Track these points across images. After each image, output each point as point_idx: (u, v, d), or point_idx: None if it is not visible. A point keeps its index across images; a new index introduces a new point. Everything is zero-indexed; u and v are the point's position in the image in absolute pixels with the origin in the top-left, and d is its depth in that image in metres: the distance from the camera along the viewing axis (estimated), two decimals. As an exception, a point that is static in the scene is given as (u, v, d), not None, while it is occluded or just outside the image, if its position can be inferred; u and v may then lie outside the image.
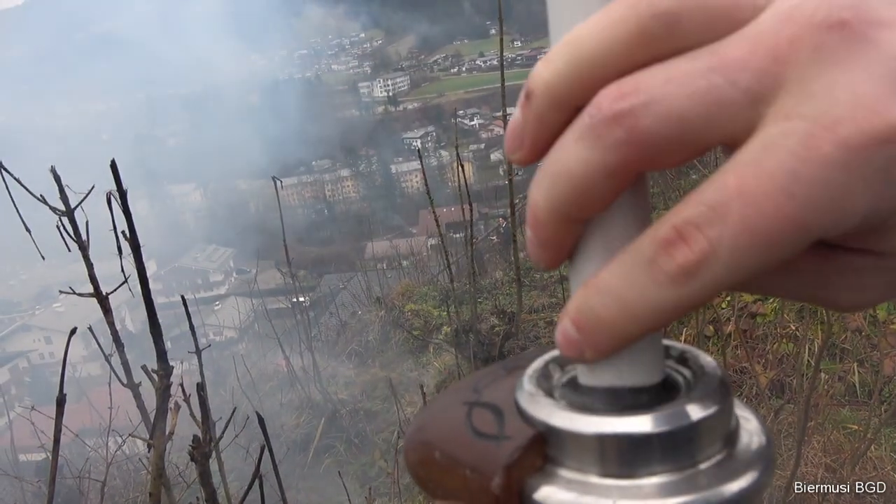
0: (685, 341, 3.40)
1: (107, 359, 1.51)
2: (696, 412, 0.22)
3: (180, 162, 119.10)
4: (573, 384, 0.26)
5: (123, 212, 1.11)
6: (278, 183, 3.31)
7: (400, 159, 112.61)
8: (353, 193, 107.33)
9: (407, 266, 11.19)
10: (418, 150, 5.13)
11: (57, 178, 1.47)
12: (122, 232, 1.16)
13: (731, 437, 0.23)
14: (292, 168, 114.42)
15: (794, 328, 3.04)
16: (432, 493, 0.25)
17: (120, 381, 1.56)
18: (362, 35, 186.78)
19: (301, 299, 5.47)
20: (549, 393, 0.25)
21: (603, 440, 0.22)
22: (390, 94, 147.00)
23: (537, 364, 0.26)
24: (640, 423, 0.21)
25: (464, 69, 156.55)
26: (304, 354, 4.04)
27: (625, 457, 0.21)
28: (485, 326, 3.90)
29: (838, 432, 2.36)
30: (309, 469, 3.53)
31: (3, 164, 1.43)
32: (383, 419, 3.86)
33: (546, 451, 0.23)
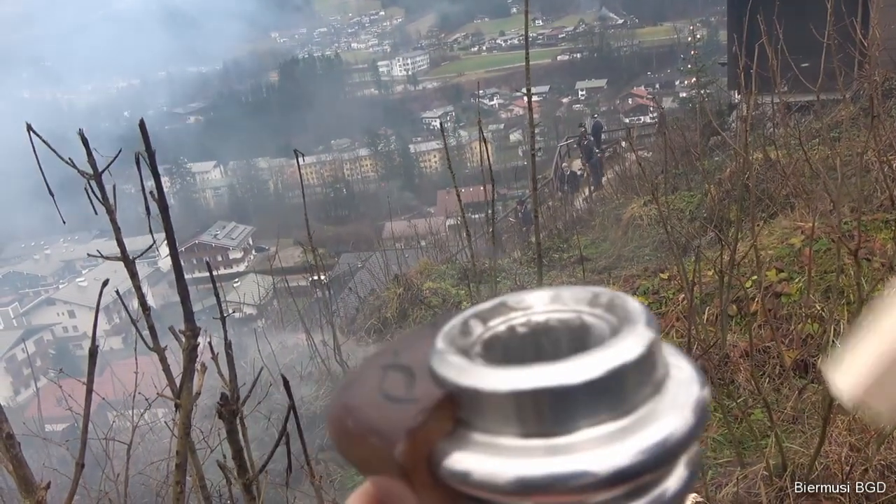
0: (707, 320, 3.38)
1: (134, 323, 1.53)
2: (614, 359, 0.19)
3: (200, 139, 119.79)
4: (494, 339, 0.24)
5: (152, 172, 1.11)
6: (301, 157, 3.30)
7: (419, 139, 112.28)
8: (371, 173, 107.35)
9: (425, 245, 11.19)
10: (441, 129, 5.11)
11: (85, 142, 1.47)
12: (151, 192, 1.16)
13: (659, 385, 0.20)
14: (311, 147, 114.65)
15: (819, 308, 2.99)
16: (355, 466, 0.23)
17: (146, 344, 1.58)
18: (382, 13, 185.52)
19: (321, 277, 5.50)
20: (465, 350, 0.23)
21: (517, 396, 0.19)
22: (410, 73, 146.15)
23: (456, 320, 0.24)
24: (557, 375, 0.19)
25: (484, 48, 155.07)
26: (325, 328, 4.07)
27: (543, 413, 0.19)
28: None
29: (863, 412, 2.32)
30: (329, 440, 3.57)
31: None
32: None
33: (457, 413, 0.21)
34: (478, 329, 0.24)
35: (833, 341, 2.88)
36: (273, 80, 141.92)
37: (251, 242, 74.52)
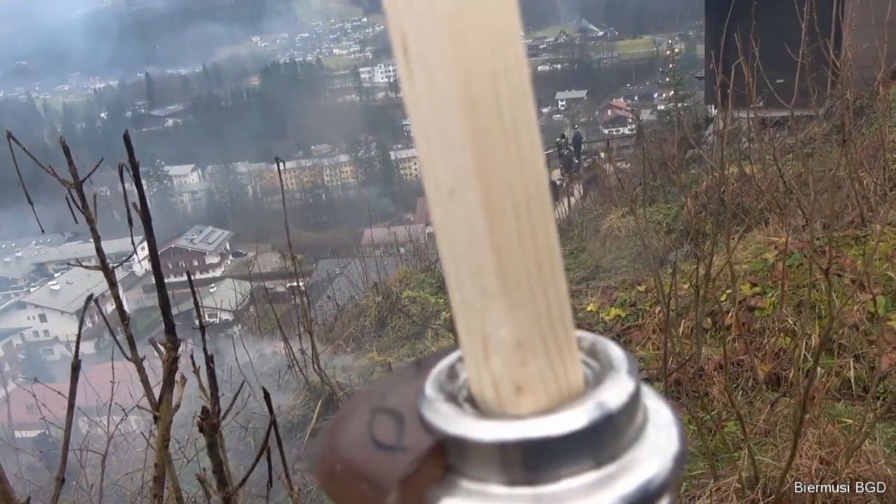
0: (683, 333, 3.43)
1: (112, 333, 1.51)
2: (596, 411, 0.20)
3: (179, 143, 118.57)
4: None
5: (135, 184, 1.11)
6: (281, 164, 3.29)
7: (399, 146, 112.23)
8: (351, 179, 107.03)
9: (404, 253, 11.17)
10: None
11: (66, 150, 1.46)
12: (134, 204, 1.15)
13: (640, 431, 0.21)
14: (291, 152, 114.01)
15: (792, 322, 3.05)
16: None
17: (124, 354, 1.57)
18: (364, 20, 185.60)
19: (300, 283, 5.48)
20: (453, 396, 0.23)
21: (503, 447, 0.20)
22: (391, 79, 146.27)
23: (443, 365, 0.24)
24: (541, 427, 0.20)
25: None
26: (303, 337, 4.06)
27: (528, 462, 0.20)
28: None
29: (833, 426, 2.38)
30: (305, 451, 3.56)
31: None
32: (380, 403, 3.89)
33: (446, 460, 0.21)
34: (463, 373, 0.24)
35: (805, 355, 2.94)
36: (254, 85, 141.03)
37: (228, 247, 73.78)
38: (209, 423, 0.99)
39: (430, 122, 0.19)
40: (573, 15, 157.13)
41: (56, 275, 63.32)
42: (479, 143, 0.19)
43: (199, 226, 72.84)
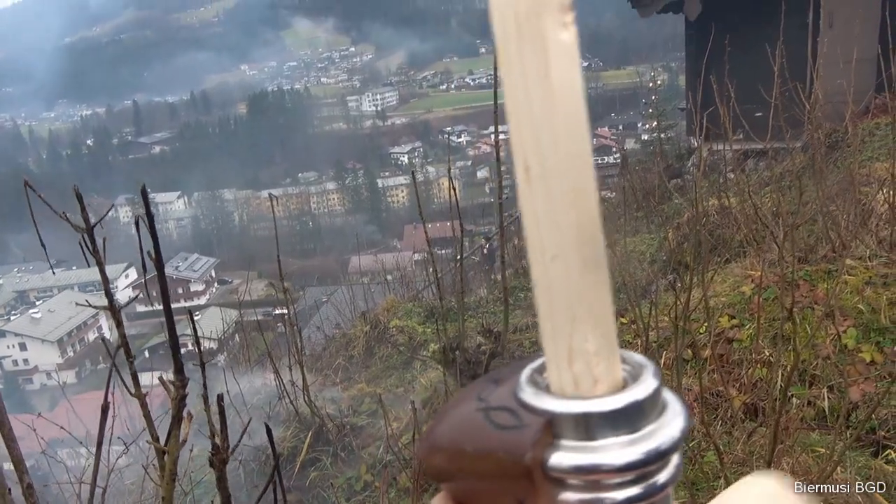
0: (664, 364, 3.53)
1: (116, 369, 1.59)
2: (639, 394, 0.31)
3: (165, 169, 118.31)
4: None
5: (151, 235, 1.20)
6: (275, 199, 3.38)
7: (386, 174, 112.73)
8: (338, 206, 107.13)
9: (392, 281, 11.21)
10: (412, 172, 5.23)
11: (79, 198, 1.55)
12: (148, 252, 1.24)
13: (662, 409, 0.32)
14: (278, 179, 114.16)
15: (767, 354, 3.16)
16: (462, 478, 0.34)
17: (128, 390, 1.64)
18: (352, 49, 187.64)
19: (286, 311, 5.52)
20: (543, 390, 0.34)
21: (588, 417, 0.31)
22: (379, 108, 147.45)
23: (527, 372, 0.35)
24: (609, 403, 0.31)
25: (452, 86, 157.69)
26: (294, 368, 4.10)
27: (603, 424, 0.31)
28: (471, 345, 3.99)
29: (807, 455, 2.48)
30: (295, 481, 3.59)
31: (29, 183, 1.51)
32: (369, 434, 3.93)
33: (554, 430, 0.32)
34: (538, 377, 0.35)
35: (780, 385, 3.05)
36: (241, 112, 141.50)
37: (213, 275, 73.25)
38: (219, 458, 1.07)
39: (542, 212, 0.31)
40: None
41: (38, 302, 62.48)
42: (581, 228, 0.31)
43: (184, 253, 72.35)
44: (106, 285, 1.61)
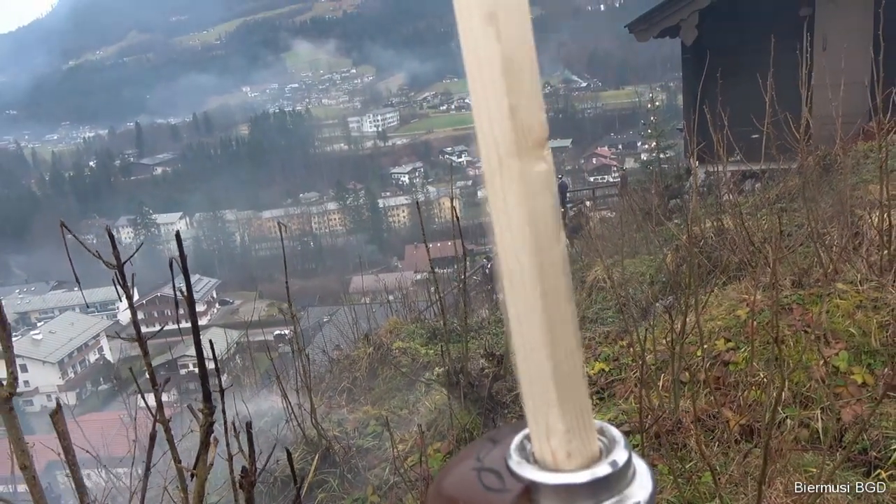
0: (663, 386, 3.62)
1: (140, 392, 1.69)
2: (603, 472, 0.38)
3: (167, 190, 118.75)
4: None
5: (184, 276, 1.31)
6: (283, 226, 3.50)
7: (387, 194, 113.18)
8: (339, 227, 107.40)
9: (393, 301, 11.26)
10: (415, 199, 5.34)
11: (111, 236, 1.67)
12: (180, 289, 1.36)
13: (631, 479, 0.39)
14: (279, 200, 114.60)
15: (763, 376, 3.26)
16: None
17: (153, 416, 1.75)
18: (353, 71, 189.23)
19: (286, 332, 5.59)
20: (527, 458, 0.40)
21: (565, 487, 0.38)
22: (379, 129, 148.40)
23: (517, 440, 0.41)
24: (578, 477, 0.38)
25: (453, 107, 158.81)
26: (301, 391, 4.19)
27: (577, 495, 0.37)
28: (474, 367, 4.09)
29: (800, 475, 2.56)
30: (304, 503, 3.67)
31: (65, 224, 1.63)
32: (375, 456, 4.01)
33: (531, 495, 0.38)
34: (528, 445, 0.41)
35: (774, 406, 3.14)
36: (243, 134, 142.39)
37: (215, 295, 73.27)
38: (248, 480, 1.18)
39: (522, 312, 0.36)
40: (557, 66, 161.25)
41: (39, 324, 62.45)
42: (553, 328, 0.37)
43: (185, 274, 72.28)
44: (134, 317, 1.72)
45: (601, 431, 0.39)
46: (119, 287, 1.67)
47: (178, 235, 1.31)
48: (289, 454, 1.36)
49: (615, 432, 0.39)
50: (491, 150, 0.34)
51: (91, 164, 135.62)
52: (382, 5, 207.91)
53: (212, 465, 1.43)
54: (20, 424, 1.29)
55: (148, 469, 1.26)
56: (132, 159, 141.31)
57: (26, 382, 55.34)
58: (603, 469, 0.37)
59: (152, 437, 1.29)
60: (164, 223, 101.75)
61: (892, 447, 2.79)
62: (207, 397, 1.40)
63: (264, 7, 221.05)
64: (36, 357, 54.35)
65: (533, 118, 0.34)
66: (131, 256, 1.74)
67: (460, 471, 0.41)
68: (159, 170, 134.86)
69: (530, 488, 0.37)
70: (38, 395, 53.33)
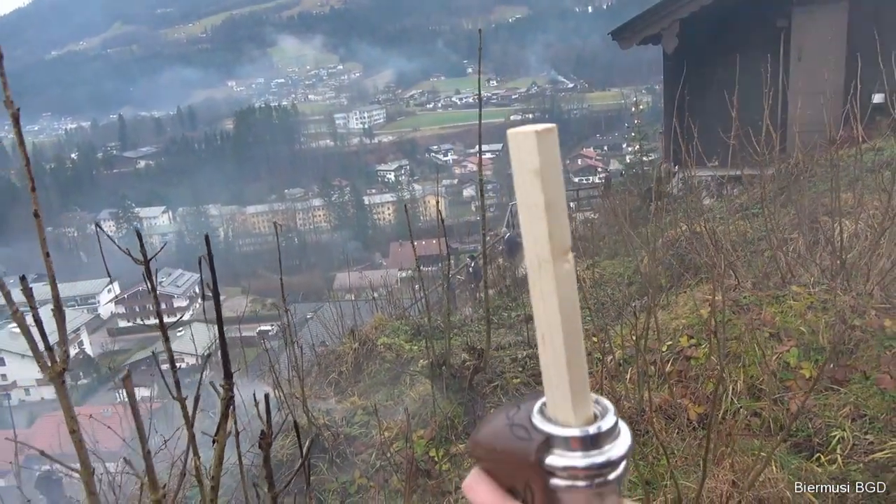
0: (630, 378, 3.91)
1: (166, 382, 1.93)
2: (597, 429, 0.50)
3: (150, 184, 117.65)
4: None
5: (211, 273, 1.55)
6: (278, 228, 3.73)
7: (373, 191, 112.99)
8: (324, 223, 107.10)
9: (378, 298, 11.44)
10: (401, 197, 5.57)
11: (139, 235, 1.91)
12: (207, 283, 1.59)
13: (617, 435, 0.51)
14: (264, 195, 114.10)
15: (719, 370, 3.54)
16: (491, 463, 0.50)
17: (171, 394, 1.99)
18: (340, 67, 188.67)
19: (269, 328, 5.79)
20: (546, 418, 0.53)
21: (568, 438, 0.50)
22: (366, 126, 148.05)
23: (537, 405, 0.53)
24: (580, 432, 0.50)
25: (439, 105, 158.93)
26: (291, 381, 4.43)
27: (583, 442, 0.50)
28: (456, 361, 4.34)
29: (747, 457, 2.85)
30: (294, 486, 3.91)
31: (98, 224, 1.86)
32: (362, 443, 4.26)
33: (549, 443, 0.47)
34: (545, 408, 0.51)
35: (730, 398, 3.44)
36: (228, 128, 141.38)
37: (197, 290, 72.67)
38: (265, 441, 1.43)
39: (550, 363, 0.50)
40: (544, 67, 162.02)
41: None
42: (575, 381, 0.49)
43: (168, 268, 72.05)
44: (157, 308, 1.96)
45: (596, 402, 0.51)
46: (147, 281, 1.90)
47: (206, 238, 1.55)
48: (296, 424, 1.61)
49: (606, 402, 0.51)
50: (533, 255, 0.48)
51: (73, 156, 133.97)
52: (370, 2, 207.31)
53: (230, 433, 1.67)
54: (69, 395, 1.52)
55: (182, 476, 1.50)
56: (115, 152, 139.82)
57: (4, 376, 54.71)
58: (598, 427, 0.48)
59: (192, 438, 1.53)
60: (147, 217, 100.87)
61: (832, 434, 3.10)
62: (228, 375, 1.64)
63: (251, 1, 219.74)
64: (15, 351, 53.81)
65: (563, 238, 0.47)
66: (157, 253, 1.97)
67: (494, 426, 0.51)
68: (142, 163, 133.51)
69: (549, 438, 0.48)
70: (16, 388, 52.85)
